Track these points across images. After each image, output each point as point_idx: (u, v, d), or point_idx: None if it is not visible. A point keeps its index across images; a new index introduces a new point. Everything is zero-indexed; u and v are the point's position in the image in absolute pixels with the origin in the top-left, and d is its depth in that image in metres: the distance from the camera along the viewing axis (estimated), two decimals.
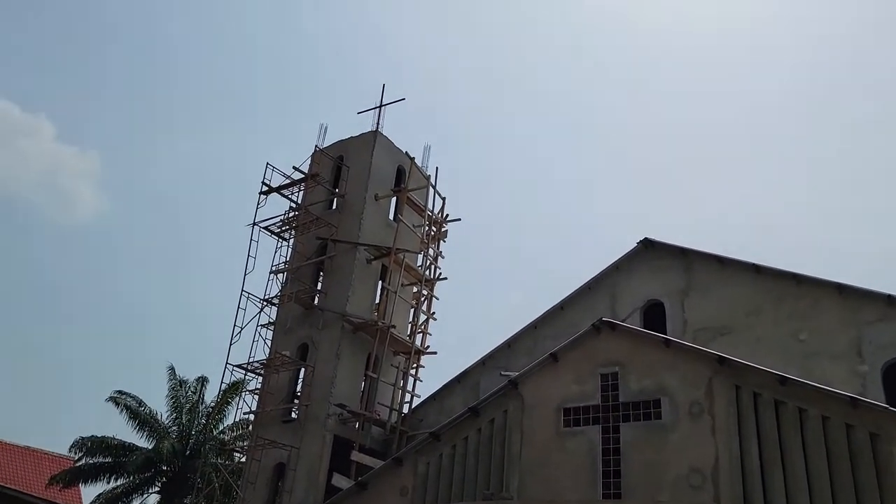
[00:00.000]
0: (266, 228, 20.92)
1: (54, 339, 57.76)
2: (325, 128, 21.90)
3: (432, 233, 21.98)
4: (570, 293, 19.61)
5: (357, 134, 21.58)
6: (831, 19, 57.41)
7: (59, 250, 61.68)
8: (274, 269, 20.58)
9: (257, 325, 19.92)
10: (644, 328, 16.24)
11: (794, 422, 11.60)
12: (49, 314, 57.92)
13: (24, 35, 61.03)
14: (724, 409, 12.10)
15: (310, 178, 20.83)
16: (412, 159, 21.79)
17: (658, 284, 18.41)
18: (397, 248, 19.81)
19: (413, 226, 21.17)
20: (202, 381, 26.88)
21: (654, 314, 18.19)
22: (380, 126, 21.39)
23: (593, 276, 19.42)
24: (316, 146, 21.55)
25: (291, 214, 21.01)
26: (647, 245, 18.95)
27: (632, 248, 19.16)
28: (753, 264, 17.26)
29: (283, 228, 21.04)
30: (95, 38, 64.85)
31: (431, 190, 22.04)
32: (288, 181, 21.04)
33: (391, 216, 21.23)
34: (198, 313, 60.88)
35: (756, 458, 11.61)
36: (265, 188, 20.96)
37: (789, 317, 16.36)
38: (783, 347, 15.93)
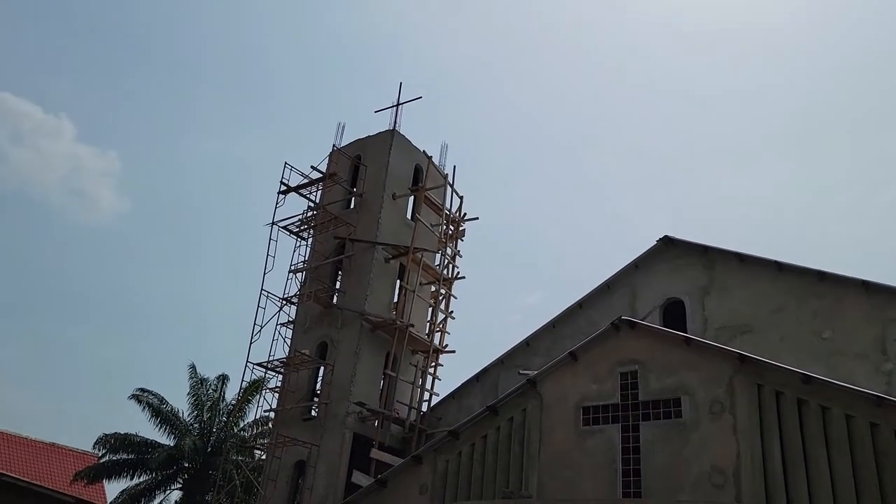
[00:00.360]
0: (285, 228, 21.06)
1: (77, 338, 58.70)
2: (343, 127, 22.04)
3: (450, 231, 22.00)
4: (589, 291, 19.53)
5: (374, 133, 21.68)
6: (851, 12, 56.55)
7: (80, 250, 62.60)
8: (293, 268, 20.72)
9: (277, 324, 20.08)
10: (664, 327, 16.12)
11: (818, 421, 11.43)
12: (71, 313, 58.85)
13: (47, 37, 61.97)
14: (746, 408, 11.96)
15: (328, 178, 20.93)
16: (429, 158, 21.83)
17: (678, 282, 18.26)
18: (415, 247, 19.86)
19: (431, 225, 21.20)
20: (223, 379, 27.16)
21: (674, 312, 18.04)
22: (397, 125, 21.47)
23: (613, 274, 19.31)
24: (334, 145, 21.67)
25: (310, 214, 21.14)
26: (668, 243, 18.80)
27: (651, 245, 19.03)
28: (775, 261, 17.05)
29: (302, 228, 21.17)
30: (115, 39, 65.67)
31: (449, 189, 22.07)
32: (306, 181, 21.18)
33: (409, 215, 21.28)
34: (218, 312, 61.53)
35: (779, 457, 11.47)
36: (283, 188, 21.11)
37: (812, 315, 16.14)
38: (806, 345, 15.73)
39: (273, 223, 20.90)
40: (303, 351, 19.03)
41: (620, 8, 65.64)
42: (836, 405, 11.37)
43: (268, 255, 20.44)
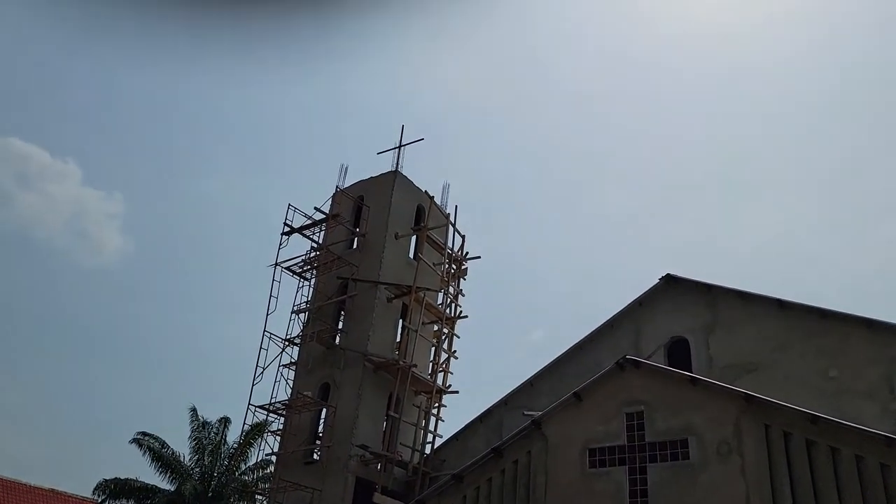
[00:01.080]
0: (288, 269, 21.14)
1: (78, 381, 58.26)
2: (346, 168, 22.30)
3: (452, 271, 22.05)
4: (592, 330, 19.45)
5: (377, 174, 21.91)
6: (866, 43, 57.50)
7: (85, 292, 62.56)
8: (296, 308, 20.73)
9: (279, 366, 19.99)
10: (669, 366, 16.02)
11: (827, 462, 11.30)
12: (73, 356, 58.56)
13: (54, 82, 63.03)
14: (754, 449, 11.83)
15: (331, 219, 21.10)
16: (431, 198, 22.01)
17: (682, 321, 18.20)
18: (418, 287, 19.88)
19: (433, 264, 21.26)
20: (224, 422, 26.86)
21: (678, 351, 17.95)
22: (399, 166, 21.72)
23: (616, 312, 19.27)
24: (337, 187, 21.88)
25: (313, 254, 21.24)
26: (670, 281, 18.80)
27: (654, 284, 19.02)
28: (777, 299, 17.03)
29: (305, 268, 21.25)
30: (122, 84, 66.79)
31: (451, 228, 22.21)
32: (309, 222, 21.35)
33: (411, 255, 21.37)
34: (221, 354, 61.21)
35: (789, 499, 11.30)
36: (287, 229, 21.26)
37: (817, 353, 16.05)
38: (812, 385, 15.60)
39: (276, 264, 21.01)
40: (305, 393, 18.90)
41: (619, 47, 66.86)
42: (846, 446, 11.25)
43: (271, 295, 20.50)
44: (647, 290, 19.06)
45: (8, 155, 55.60)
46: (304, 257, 21.29)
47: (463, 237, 22.57)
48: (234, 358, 57.79)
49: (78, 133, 63.72)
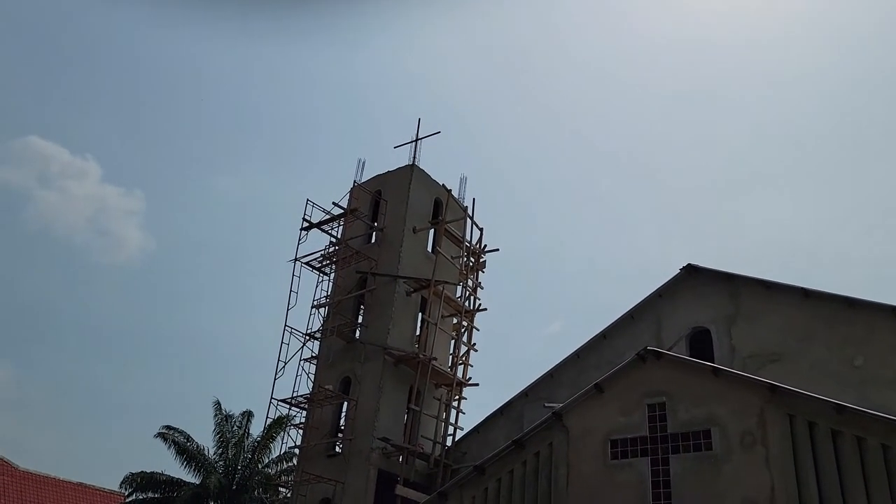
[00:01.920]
0: (307, 264, 21.29)
1: (103, 377, 59.22)
2: (363, 163, 22.36)
3: (471, 264, 22.06)
4: (612, 321, 19.35)
5: (394, 168, 21.94)
6: (877, 29, 56.42)
7: (105, 289, 63.42)
8: (315, 303, 20.87)
9: (300, 360, 20.18)
10: (690, 356, 15.90)
11: (853, 451, 11.15)
12: (98, 352, 59.50)
13: (73, 80, 63.81)
14: (778, 440, 11.70)
15: (349, 213, 21.20)
16: (449, 191, 22.01)
17: (704, 311, 18.05)
18: (436, 280, 19.92)
19: (451, 257, 21.29)
20: (248, 415, 27.17)
21: (700, 342, 17.81)
22: (416, 159, 21.74)
23: (636, 303, 19.15)
24: (354, 181, 21.96)
25: (331, 249, 21.36)
26: (691, 271, 18.64)
27: (675, 274, 18.87)
28: (802, 288, 16.81)
29: (324, 263, 21.38)
30: (141, 81, 67.42)
31: (469, 221, 22.19)
32: (328, 217, 21.46)
33: (429, 248, 21.40)
34: (243, 349, 61.79)
35: (814, 489, 11.17)
36: (306, 224, 21.39)
37: (843, 342, 15.84)
38: (837, 374, 15.41)
39: (296, 259, 21.16)
40: (326, 386, 19.05)
41: (639, 37, 66.18)
42: (872, 435, 11.10)
43: (291, 290, 20.68)
44: (668, 280, 18.92)
45: (28, 153, 56.48)
46: (323, 252, 21.43)
47: (481, 230, 22.58)
48: (255, 353, 58.37)
49: (97, 130, 64.46)
